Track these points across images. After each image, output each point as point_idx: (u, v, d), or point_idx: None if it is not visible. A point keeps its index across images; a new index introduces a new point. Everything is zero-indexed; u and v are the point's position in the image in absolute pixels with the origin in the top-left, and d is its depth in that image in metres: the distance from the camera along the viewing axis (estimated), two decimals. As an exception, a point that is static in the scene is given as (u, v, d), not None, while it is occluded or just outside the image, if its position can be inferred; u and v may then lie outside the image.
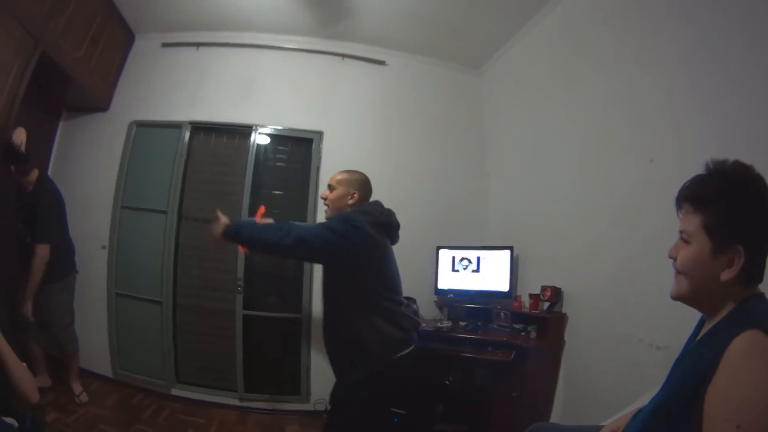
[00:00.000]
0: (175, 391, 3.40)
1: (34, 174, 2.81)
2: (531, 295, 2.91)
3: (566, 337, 2.75)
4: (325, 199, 2.14)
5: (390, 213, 2.10)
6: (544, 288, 2.82)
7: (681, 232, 1.04)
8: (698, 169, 1.83)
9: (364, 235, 1.86)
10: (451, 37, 3.60)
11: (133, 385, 3.38)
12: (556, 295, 2.79)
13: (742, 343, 0.88)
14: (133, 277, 3.49)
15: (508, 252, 3.21)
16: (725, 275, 0.95)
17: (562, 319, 2.76)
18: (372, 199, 2.16)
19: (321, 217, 3.43)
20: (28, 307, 2.69)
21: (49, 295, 2.84)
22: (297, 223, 1.90)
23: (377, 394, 1.95)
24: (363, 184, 2.14)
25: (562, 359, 2.76)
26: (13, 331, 2.37)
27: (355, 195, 2.08)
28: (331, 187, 2.13)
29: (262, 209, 2.31)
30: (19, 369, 1.50)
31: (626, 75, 2.39)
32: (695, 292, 1.01)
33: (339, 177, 2.15)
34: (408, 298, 2.26)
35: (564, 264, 2.83)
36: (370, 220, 1.92)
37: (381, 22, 3.47)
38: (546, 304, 2.83)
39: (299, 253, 1.90)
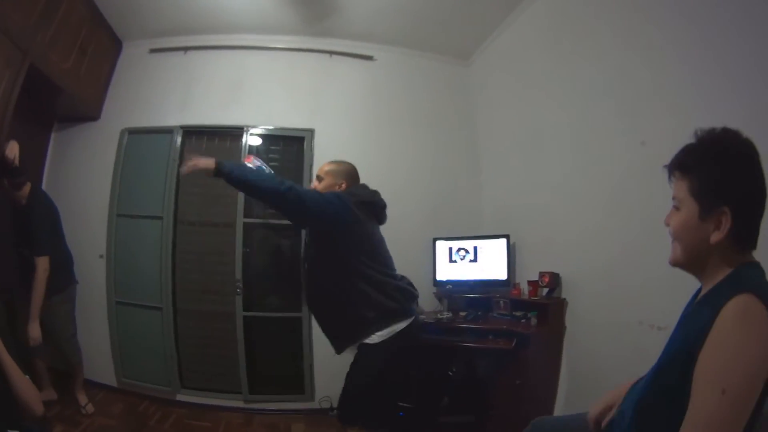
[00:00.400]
0: (180, 397, 3.41)
1: (27, 187, 2.80)
2: (530, 282, 2.91)
3: (567, 323, 2.75)
4: (313, 189, 2.17)
5: (375, 193, 2.17)
6: (542, 274, 2.82)
7: (673, 199, 1.06)
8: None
9: (348, 209, 1.96)
10: (438, 28, 3.59)
11: (138, 392, 3.39)
12: (554, 280, 2.79)
13: (732, 307, 0.88)
14: (133, 284, 3.49)
15: (504, 240, 3.21)
16: (714, 237, 0.97)
17: (561, 304, 2.76)
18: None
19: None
20: (36, 327, 2.66)
21: (50, 308, 2.82)
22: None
23: (375, 365, 2.01)
24: (350, 174, 2.21)
25: (564, 344, 2.75)
26: (15, 344, 2.40)
27: (343, 185, 2.15)
28: (319, 178, 2.20)
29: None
30: (22, 381, 1.49)
31: (615, 58, 2.38)
32: (689, 257, 1.04)
33: (327, 168, 2.21)
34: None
35: (561, 249, 2.83)
36: (354, 200, 2.00)
37: (367, 17, 3.46)
38: (545, 290, 2.83)
39: (291, 207, 1.91)
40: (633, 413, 1.08)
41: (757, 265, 0.99)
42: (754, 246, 1.00)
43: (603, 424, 1.28)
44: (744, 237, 0.98)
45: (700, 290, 1.10)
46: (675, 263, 1.08)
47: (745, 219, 0.96)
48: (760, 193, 0.97)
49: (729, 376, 0.85)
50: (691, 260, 1.04)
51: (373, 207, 2.13)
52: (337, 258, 2.01)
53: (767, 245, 1.03)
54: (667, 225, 1.08)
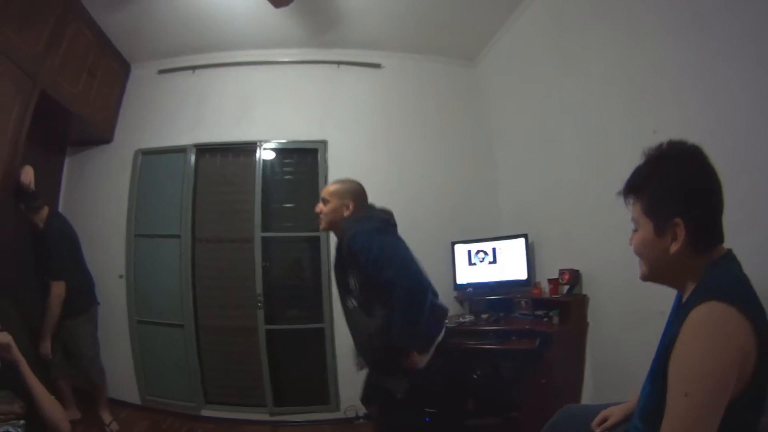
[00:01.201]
0: (204, 412, 3.42)
1: (45, 211, 2.84)
2: (550, 281, 2.90)
3: (589, 318, 2.74)
4: (319, 213, 2.10)
5: (388, 210, 2.14)
6: (562, 272, 2.81)
7: (632, 220, 1.11)
8: (700, 135, 1.84)
9: (402, 245, 1.97)
10: (443, 32, 3.61)
11: (163, 409, 3.41)
12: (574, 277, 2.78)
13: (696, 315, 0.92)
14: (153, 303, 3.52)
15: (522, 240, 3.21)
16: (673, 248, 1.00)
17: (583, 300, 2.75)
18: (383, 205, 2.16)
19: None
20: (47, 345, 2.71)
21: (73, 330, 2.86)
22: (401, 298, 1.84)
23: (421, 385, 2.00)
24: (357, 193, 2.10)
25: (587, 341, 2.74)
26: (39, 367, 2.43)
27: (350, 205, 2.05)
28: (324, 201, 2.09)
29: None
30: (48, 401, 1.53)
31: (620, 49, 2.37)
32: (655, 272, 1.09)
33: (331, 189, 2.11)
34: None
35: (579, 245, 2.82)
36: (378, 226, 1.96)
37: (372, 26, 3.49)
38: (565, 288, 2.82)
39: (420, 300, 1.87)
40: (641, 420, 1.11)
41: (724, 262, 1.01)
42: (719, 242, 1.03)
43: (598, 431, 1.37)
44: (704, 240, 1.00)
45: (680, 295, 1.13)
46: (644, 278, 1.13)
47: (699, 224, 0.99)
48: (710, 195, 0.99)
49: (691, 380, 0.89)
50: (657, 274, 1.09)
51: (393, 225, 2.11)
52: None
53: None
54: (631, 245, 1.13)
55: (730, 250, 1.03)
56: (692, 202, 0.98)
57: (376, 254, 1.84)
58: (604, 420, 1.40)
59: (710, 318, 0.90)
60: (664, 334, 1.07)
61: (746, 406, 0.93)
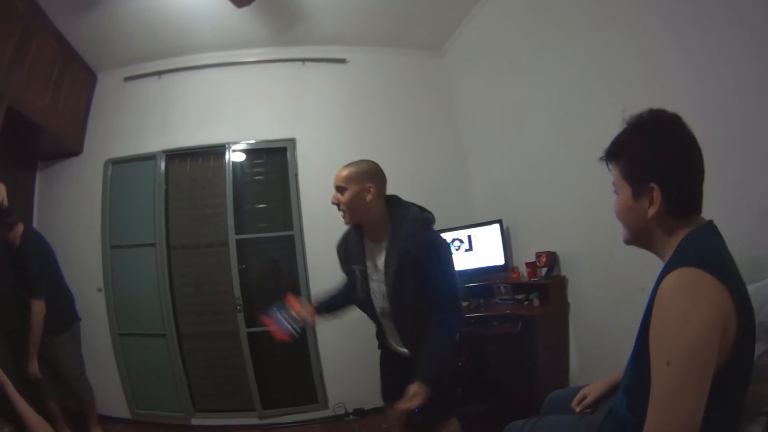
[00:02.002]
0: (195, 421, 3.40)
1: (20, 228, 2.78)
2: (527, 264, 2.91)
3: (570, 299, 2.74)
4: (337, 204, 1.82)
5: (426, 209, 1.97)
6: (538, 254, 2.82)
7: (612, 185, 1.12)
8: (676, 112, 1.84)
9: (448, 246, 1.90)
10: (408, 23, 3.59)
11: (154, 422, 3.38)
12: (552, 259, 2.78)
13: (668, 281, 0.91)
14: (134, 314, 3.48)
15: (497, 225, 3.19)
16: (650, 213, 1.01)
17: (562, 282, 2.76)
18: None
19: (306, 222, 3.50)
20: (35, 364, 2.66)
21: (56, 348, 2.81)
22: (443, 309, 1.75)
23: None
24: (376, 173, 1.84)
25: (569, 322, 2.75)
26: (24, 386, 2.39)
27: (371, 189, 1.78)
28: (340, 189, 1.80)
29: (291, 299, 2.01)
30: (36, 421, 1.51)
31: (592, 28, 2.36)
32: (635, 235, 1.10)
33: (345, 173, 1.81)
34: None
35: (555, 228, 2.82)
36: (433, 225, 1.90)
37: (336, 21, 3.46)
38: (544, 270, 2.82)
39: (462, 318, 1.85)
40: (625, 395, 1.10)
41: (703, 230, 1.01)
42: (697, 211, 1.03)
43: (578, 409, 1.40)
44: (680, 206, 1.01)
45: None
46: (626, 242, 1.14)
47: (675, 190, 0.99)
48: (688, 163, 1.01)
49: (670, 347, 0.88)
50: (637, 237, 1.10)
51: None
52: None
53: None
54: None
55: (711, 221, 1.03)
56: (667, 168, 1.00)
57: (446, 256, 1.83)
58: (584, 398, 1.41)
59: (683, 283, 0.89)
60: (647, 307, 1.05)
61: (730, 378, 0.91)
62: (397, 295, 1.80)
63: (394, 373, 2.01)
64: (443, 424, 1.93)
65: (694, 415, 0.85)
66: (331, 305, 2.11)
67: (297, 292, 3.46)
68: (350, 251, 1.96)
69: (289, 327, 1.92)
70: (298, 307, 1.95)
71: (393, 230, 1.81)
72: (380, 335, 2.08)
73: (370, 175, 1.81)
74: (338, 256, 2.05)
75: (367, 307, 1.97)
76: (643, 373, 0.94)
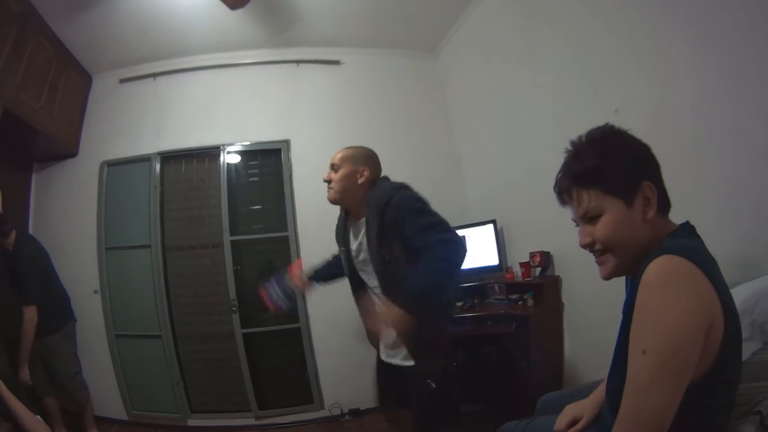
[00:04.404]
0: (191, 422, 3.40)
1: (13, 235, 2.79)
2: (521, 264, 2.91)
3: (564, 299, 2.75)
4: (328, 181, 1.83)
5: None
6: (532, 254, 2.82)
7: (583, 216, 1.01)
8: (666, 111, 1.84)
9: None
10: (401, 24, 3.61)
11: (150, 423, 3.38)
12: (546, 259, 2.79)
13: (652, 267, 0.86)
14: (130, 315, 3.49)
15: (491, 226, 3.20)
16: (649, 214, 0.95)
17: (556, 281, 2.76)
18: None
19: (301, 223, 3.50)
20: (25, 372, 2.67)
21: (50, 347, 2.81)
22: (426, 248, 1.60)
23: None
24: (372, 159, 1.86)
25: (564, 321, 2.76)
26: (21, 387, 2.40)
27: (365, 172, 1.79)
28: (334, 167, 1.83)
29: (299, 263, 2.08)
30: (31, 420, 1.52)
31: (584, 30, 2.37)
32: (630, 253, 0.98)
33: (342, 154, 1.83)
34: None
35: (549, 228, 2.82)
36: (407, 189, 1.76)
37: (330, 22, 3.48)
38: (538, 270, 2.83)
39: (461, 261, 1.61)
40: (608, 401, 1.06)
41: (682, 231, 0.98)
42: (670, 207, 1.01)
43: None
44: (666, 199, 0.99)
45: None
46: (614, 274, 1.01)
47: (661, 181, 0.98)
48: (654, 159, 1.00)
49: (648, 336, 0.83)
50: (633, 254, 0.97)
51: None
52: None
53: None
54: (588, 244, 1.02)
55: (687, 222, 1.00)
56: (651, 162, 0.99)
57: (422, 207, 1.66)
58: (572, 421, 1.24)
59: (669, 268, 0.84)
60: (625, 304, 1.00)
61: (715, 388, 0.86)
62: (383, 261, 1.73)
63: (385, 381, 1.98)
64: None
65: (666, 412, 0.81)
66: (328, 273, 2.10)
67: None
68: (338, 234, 1.96)
69: (280, 299, 1.94)
70: (296, 278, 1.97)
71: (367, 203, 1.77)
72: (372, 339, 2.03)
73: (366, 159, 1.83)
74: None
75: (359, 288, 1.93)
76: (624, 371, 0.90)
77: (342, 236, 1.92)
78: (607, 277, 1.03)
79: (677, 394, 0.81)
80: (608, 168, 0.97)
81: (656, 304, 0.83)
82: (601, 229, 0.98)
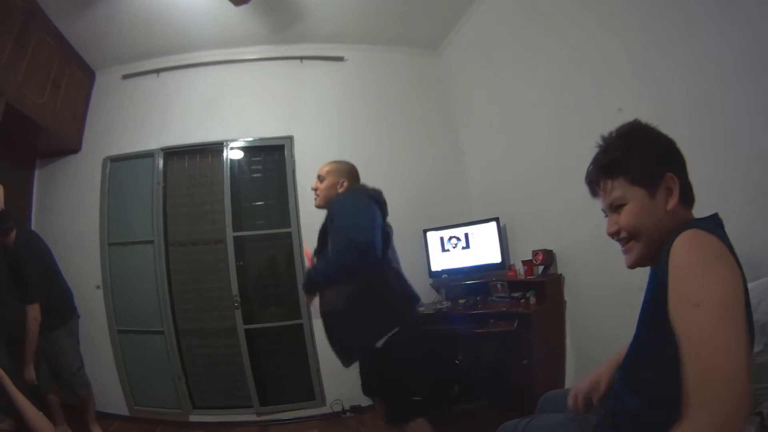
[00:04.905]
0: (193, 418, 3.41)
1: (14, 233, 2.78)
2: (524, 262, 2.91)
3: (566, 297, 2.76)
4: (315, 189, 2.20)
5: (378, 190, 2.14)
6: (535, 252, 2.82)
7: (610, 205, 1.06)
8: (667, 110, 1.84)
9: (372, 206, 1.96)
10: (405, 22, 3.60)
11: (152, 418, 3.39)
12: (548, 257, 2.79)
13: (676, 242, 0.88)
14: (132, 311, 3.49)
15: (494, 223, 3.20)
16: (671, 204, 0.98)
17: (558, 280, 2.77)
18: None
19: (304, 220, 3.50)
20: (31, 370, 2.65)
21: (53, 343, 2.80)
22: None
23: (407, 351, 1.99)
24: (351, 172, 2.22)
25: (566, 319, 2.76)
26: (24, 383, 2.40)
27: (344, 183, 2.15)
28: (320, 178, 2.20)
29: (307, 252, 2.29)
30: (34, 415, 1.54)
31: (584, 31, 2.38)
32: (651, 245, 1.00)
33: (327, 168, 2.21)
34: None
35: (551, 226, 2.83)
36: (364, 197, 2.00)
37: (334, 19, 3.47)
38: (540, 268, 2.83)
39: (359, 257, 1.79)
40: (621, 382, 1.09)
41: (711, 219, 1.00)
42: (694, 201, 1.04)
43: (596, 402, 1.25)
44: (690, 191, 1.02)
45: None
46: (638, 262, 1.04)
47: (685, 175, 1.01)
48: (679, 152, 1.03)
49: (696, 290, 0.81)
50: (654, 242, 0.99)
51: (381, 203, 2.07)
52: None
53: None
54: (615, 232, 1.06)
55: (716, 214, 1.02)
56: (675, 155, 1.02)
57: (349, 207, 1.94)
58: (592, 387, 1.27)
59: (695, 239, 0.86)
60: (647, 292, 1.02)
61: None
62: (320, 253, 2.08)
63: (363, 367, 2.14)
64: (410, 426, 1.97)
65: (739, 364, 0.72)
66: None
67: (295, 289, 3.47)
68: (320, 235, 2.18)
69: None
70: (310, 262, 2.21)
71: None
72: None
73: (346, 172, 2.20)
74: None
75: None
76: (647, 348, 0.93)
77: (322, 237, 2.15)
78: (632, 266, 1.06)
79: (744, 345, 0.75)
80: (632, 159, 1.01)
81: (696, 259, 0.84)
82: (624, 216, 1.03)
